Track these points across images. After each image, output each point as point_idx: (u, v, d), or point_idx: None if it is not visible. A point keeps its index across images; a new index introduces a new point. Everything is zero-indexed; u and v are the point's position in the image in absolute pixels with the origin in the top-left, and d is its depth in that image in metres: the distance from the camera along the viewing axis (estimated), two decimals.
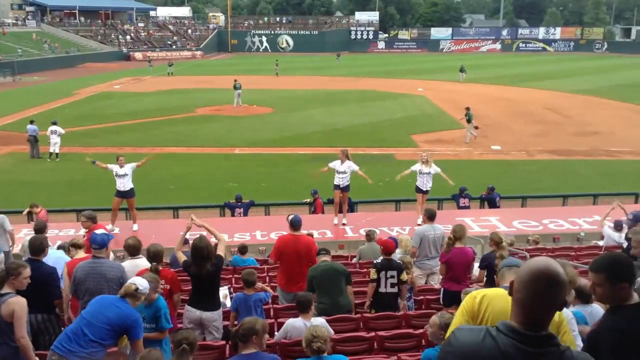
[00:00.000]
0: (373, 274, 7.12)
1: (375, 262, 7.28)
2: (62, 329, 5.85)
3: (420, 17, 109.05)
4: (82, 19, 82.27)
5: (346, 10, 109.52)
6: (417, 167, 13.25)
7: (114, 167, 12.87)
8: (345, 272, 7.05)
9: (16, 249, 10.87)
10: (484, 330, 2.33)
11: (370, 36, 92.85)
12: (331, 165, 13.12)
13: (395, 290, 7.15)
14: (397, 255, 8.44)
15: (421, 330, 6.15)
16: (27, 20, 74.45)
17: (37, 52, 62.64)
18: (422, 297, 7.91)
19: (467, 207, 14.98)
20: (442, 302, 7.57)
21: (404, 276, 7.15)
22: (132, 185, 12.92)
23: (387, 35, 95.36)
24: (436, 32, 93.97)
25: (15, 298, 4.99)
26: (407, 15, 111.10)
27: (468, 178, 18.08)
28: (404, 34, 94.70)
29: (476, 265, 8.02)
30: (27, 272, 5.16)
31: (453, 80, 48.43)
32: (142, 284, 5.05)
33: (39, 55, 61.87)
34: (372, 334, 6.13)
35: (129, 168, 12.84)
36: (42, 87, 46.41)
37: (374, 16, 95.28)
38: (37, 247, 6.07)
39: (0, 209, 11.04)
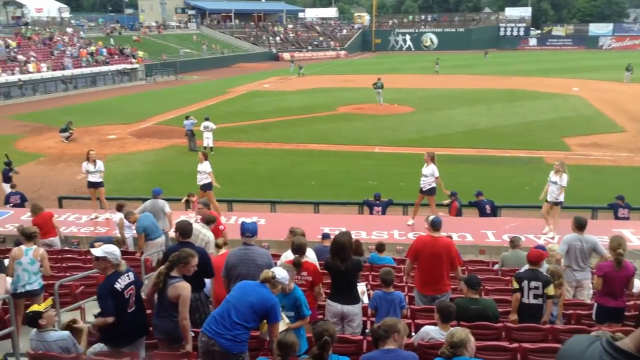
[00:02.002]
0: (514, 284, 6.77)
1: (518, 271, 6.90)
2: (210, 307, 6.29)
3: (577, 12, 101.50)
4: (237, 21, 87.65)
5: (495, 7, 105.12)
6: (550, 175, 12.35)
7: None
8: (497, 318, 6.63)
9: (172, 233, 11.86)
10: (595, 339, 2.09)
11: (521, 33, 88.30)
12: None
13: (539, 301, 6.69)
14: (544, 267, 7.98)
15: None
16: (188, 23, 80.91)
17: (197, 52, 67.82)
18: (571, 312, 7.38)
19: (626, 218, 13.69)
20: (594, 318, 7.01)
21: (551, 290, 6.63)
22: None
23: (539, 31, 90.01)
24: (595, 28, 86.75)
25: (182, 283, 5.48)
26: (563, 10, 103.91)
27: (628, 186, 16.57)
28: (558, 30, 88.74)
29: (637, 282, 7.31)
30: (195, 260, 5.66)
31: (613, 80, 44.51)
32: (280, 273, 5.31)
33: (198, 55, 66.96)
34: (516, 345, 5.84)
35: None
36: (200, 85, 50.20)
37: (525, 12, 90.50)
38: (186, 231, 6.65)
39: (162, 196, 12.13)
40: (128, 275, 5.54)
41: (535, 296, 6.67)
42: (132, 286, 5.52)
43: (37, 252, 7.50)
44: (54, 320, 5.86)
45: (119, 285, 5.40)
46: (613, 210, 13.77)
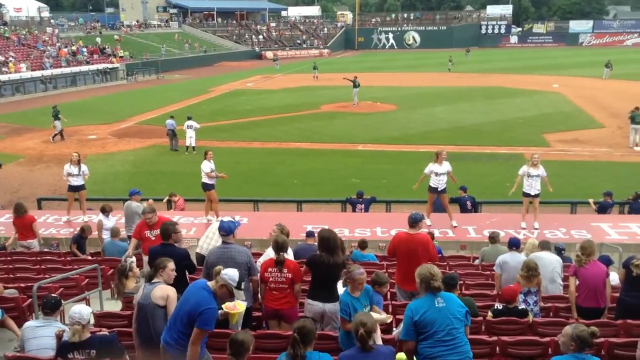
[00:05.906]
0: (490, 316, 6.62)
1: (495, 307, 6.79)
2: None
3: (558, 10, 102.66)
4: (220, 19, 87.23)
5: (477, 5, 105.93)
6: (523, 170, 12.53)
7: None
8: (477, 316, 6.51)
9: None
10: None
11: (502, 30, 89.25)
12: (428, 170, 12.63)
13: None
14: (521, 256, 8.07)
15: (548, 339, 5.82)
16: (170, 22, 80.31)
17: (179, 51, 67.33)
18: (550, 305, 7.45)
19: None
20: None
21: (530, 318, 6.59)
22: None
23: (520, 29, 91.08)
24: (575, 25, 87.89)
25: (164, 285, 5.41)
26: (543, 7, 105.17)
27: (608, 181, 16.81)
28: (539, 28, 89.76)
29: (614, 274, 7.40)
30: (172, 265, 5.55)
31: (593, 76, 45.10)
32: (228, 272, 5.07)
33: (180, 54, 66.49)
34: (495, 338, 5.89)
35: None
36: (182, 84, 49.86)
37: (506, 10, 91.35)
38: (163, 231, 6.73)
39: (141, 196, 12.03)
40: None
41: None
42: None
43: None
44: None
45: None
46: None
